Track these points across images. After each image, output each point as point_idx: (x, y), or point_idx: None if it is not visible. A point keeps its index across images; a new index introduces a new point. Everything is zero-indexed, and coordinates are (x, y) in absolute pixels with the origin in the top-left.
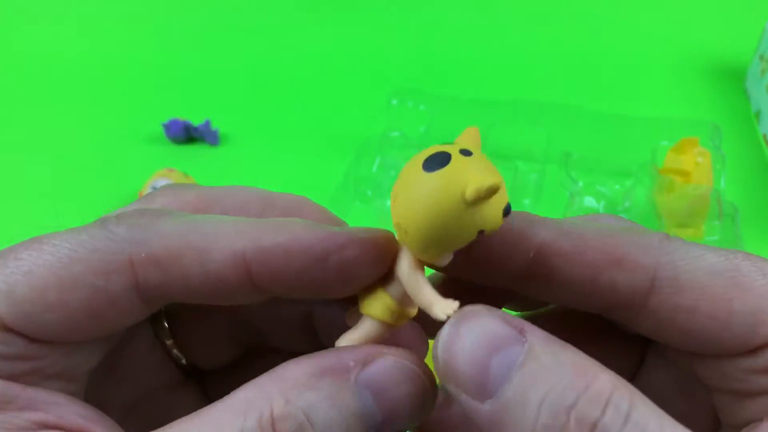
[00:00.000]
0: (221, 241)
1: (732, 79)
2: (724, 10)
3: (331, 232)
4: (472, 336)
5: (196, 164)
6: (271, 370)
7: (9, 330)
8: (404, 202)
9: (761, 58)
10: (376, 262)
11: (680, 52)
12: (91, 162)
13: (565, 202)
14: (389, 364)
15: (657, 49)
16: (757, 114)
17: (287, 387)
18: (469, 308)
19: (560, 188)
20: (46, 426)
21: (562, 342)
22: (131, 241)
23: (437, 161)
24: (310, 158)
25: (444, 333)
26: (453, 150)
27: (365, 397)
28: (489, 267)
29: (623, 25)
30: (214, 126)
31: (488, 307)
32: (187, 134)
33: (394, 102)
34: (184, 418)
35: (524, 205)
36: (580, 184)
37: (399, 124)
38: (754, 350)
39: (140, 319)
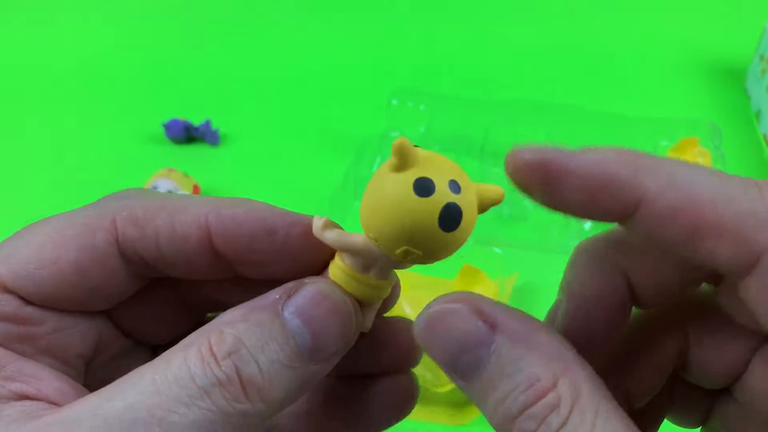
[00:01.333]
0: (190, 208)
1: (732, 79)
2: (724, 10)
3: (283, 211)
4: (445, 334)
5: (196, 164)
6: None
7: (6, 290)
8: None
9: (761, 58)
10: (318, 245)
11: (680, 52)
12: (91, 162)
13: None
14: (312, 290)
15: (657, 49)
16: (757, 114)
17: (221, 323)
18: (445, 305)
19: None
20: (25, 397)
21: (531, 337)
22: (116, 206)
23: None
24: (310, 158)
25: (420, 323)
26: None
27: (293, 321)
28: (583, 212)
29: (623, 25)
30: (214, 126)
31: (465, 299)
32: (187, 134)
33: (394, 102)
34: (142, 366)
35: (525, 205)
36: None
37: (399, 124)
38: None
39: (123, 288)
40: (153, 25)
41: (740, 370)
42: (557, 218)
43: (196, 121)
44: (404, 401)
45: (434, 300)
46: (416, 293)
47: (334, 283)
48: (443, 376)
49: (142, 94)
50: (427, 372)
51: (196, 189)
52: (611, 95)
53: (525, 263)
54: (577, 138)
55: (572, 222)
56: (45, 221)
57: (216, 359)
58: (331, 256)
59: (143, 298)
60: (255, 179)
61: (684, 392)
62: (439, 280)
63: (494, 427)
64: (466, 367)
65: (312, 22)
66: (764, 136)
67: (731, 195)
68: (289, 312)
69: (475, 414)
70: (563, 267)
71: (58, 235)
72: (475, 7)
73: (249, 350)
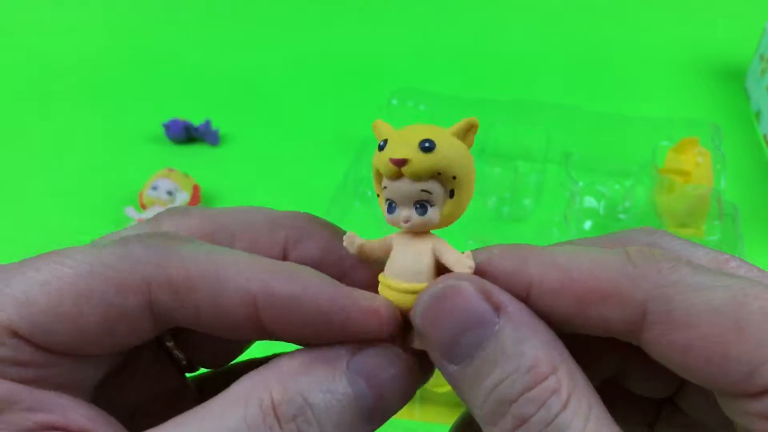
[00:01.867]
0: (236, 279)
1: (732, 79)
2: (724, 10)
3: (339, 292)
4: (449, 311)
5: (196, 164)
6: (264, 365)
7: (19, 337)
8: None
9: (761, 58)
10: (376, 329)
11: (680, 52)
12: (91, 162)
13: (565, 202)
14: (377, 350)
15: (657, 49)
16: (757, 114)
17: (284, 375)
18: (452, 281)
19: (560, 188)
20: (52, 427)
21: (533, 324)
22: (150, 262)
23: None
24: (310, 158)
25: (425, 300)
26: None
27: (357, 380)
28: None
29: (623, 26)
30: (214, 126)
31: (473, 278)
32: (187, 134)
33: (394, 102)
34: (188, 412)
35: (525, 205)
36: (581, 184)
37: (399, 124)
38: (752, 395)
39: (149, 338)
40: (153, 25)
41: (678, 382)
42: (557, 219)
43: (196, 121)
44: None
45: (436, 280)
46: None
47: (397, 345)
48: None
49: (142, 94)
50: None
51: (196, 189)
52: (611, 95)
53: None
54: (577, 138)
55: (572, 222)
56: (63, 256)
57: (279, 422)
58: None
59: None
60: (255, 179)
61: (626, 401)
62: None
63: (483, 415)
64: (466, 348)
65: (312, 22)
66: (764, 136)
67: (605, 264)
68: (354, 370)
69: None
70: None
71: (83, 284)
72: (475, 7)
73: (314, 413)
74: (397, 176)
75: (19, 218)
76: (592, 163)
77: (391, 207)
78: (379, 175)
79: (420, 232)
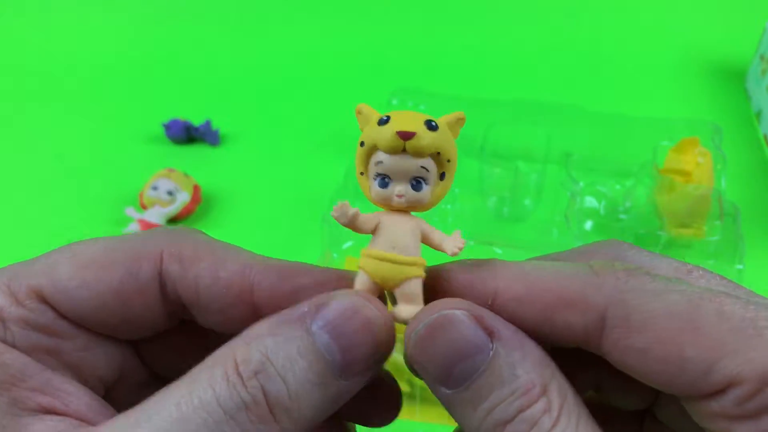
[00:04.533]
0: (236, 257)
1: (732, 79)
2: (724, 10)
3: (328, 270)
4: (444, 341)
5: (196, 164)
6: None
7: (44, 301)
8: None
9: (761, 58)
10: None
11: (680, 52)
12: (91, 162)
13: (565, 202)
14: (342, 303)
15: (657, 49)
16: (758, 114)
17: (250, 338)
18: (447, 311)
19: (561, 188)
20: (53, 411)
21: (525, 345)
22: (166, 239)
23: None
24: (311, 158)
25: (419, 330)
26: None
27: (322, 336)
28: None
29: (623, 26)
30: (215, 126)
31: (465, 307)
32: (187, 134)
33: (395, 101)
34: (168, 385)
35: (525, 205)
36: (581, 184)
37: None
38: (710, 394)
39: (155, 327)
40: (153, 26)
41: (654, 394)
42: (558, 219)
43: (196, 121)
44: (391, 404)
45: (427, 308)
46: None
47: (367, 293)
48: None
49: (142, 94)
50: None
51: (196, 189)
52: (612, 95)
53: None
54: (577, 138)
55: (573, 222)
56: (93, 241)
57: (242, 379)
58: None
59: (172, 336)
60: (255, 179)
61: (611, 415)
62: None
63: (481, 430)
64: (461, 375)
65: (312, 23)
66: (764, 136)
67: (569, 274)
68: (317, 326)
69: None
70: None
71: (105, 257)
72: (475, 7)
73: (276, 369)
74: (399, 151)
75: (20, 218)
76: (592, 163)
77: (384, 182)
78: (368, 153)
79: (405, 211)
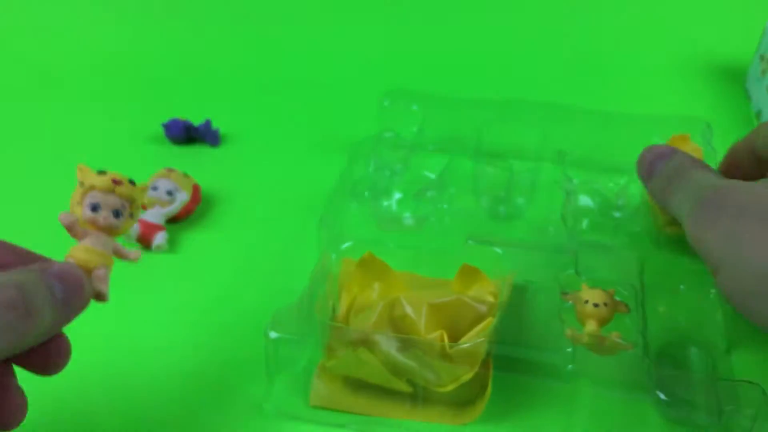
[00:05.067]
0: None
1: (732, 79)
2: (724, 10)
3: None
4: (650, 154)
5: (196, 164)
6: None
7: None
8: None
9: (761, 58)
10: None
11: (680, 52)
12: (91, 162)
13: (559, 200)
14: (64, 266)
15: (657, 50)
16: (758, 114)
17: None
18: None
19: (555, 187)
20: None
21: (691, 157)
22: None
23: None
24: (308, 158)
25: (642, 154)
26: None
27: (49, 278)
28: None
29: (623, 26)
30: (215, 126)
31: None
32: (187, 134)
33: (386, 103)
34: None
35: (518, 203)
36: (576, 181)
37: (391, 125)
38: None
39: None
40: (153, 26)
41: None
42: (554, 217)
43: (196, 121)
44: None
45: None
46: (416, 293)
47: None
48: (445, 375)
49: (142, 94)
50: (428, 372)
51: (196, 189)
52: (611, 96)
53: (521, 262)
54: (571, 136)
55: (569, 221)
56: None
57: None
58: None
59: None
60: (255, 179)
61: None
62: (438, 280)
63: (662, 190)
64: (656, 167)
65: (311, 23)
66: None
67: None
68: (50, 273)
69: (476, 414)
70: (559, 265)
71: None
72: (467, 6)
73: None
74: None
75: (20, 218)
76: (586, 161)
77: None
78: (85, 191)
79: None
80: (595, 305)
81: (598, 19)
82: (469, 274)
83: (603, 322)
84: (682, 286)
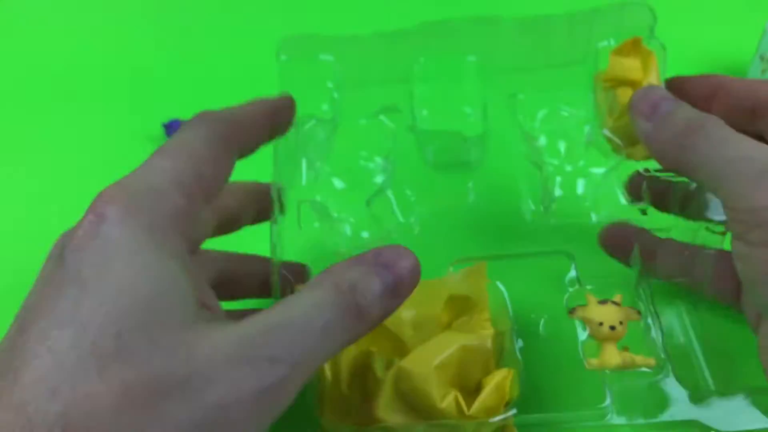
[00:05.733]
0: None
1: None
2: (724, 10)
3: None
4: (652, 92)
5: None
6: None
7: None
8: None
9: (761, 58)
10: None
11: (680, 52)
12: (91, 162)
13: (519, 150)
14: (396, 248)
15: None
16: None
17: (339, 269)
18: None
19: (510, 133)
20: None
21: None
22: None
23: None
24: None
25: (638, 90)
26: None
27: (383, 270)
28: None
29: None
30: None
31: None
32: None
33: (284, 57)
34: (281, 302)
35: (472, 161)
36: (536, 124)
37: (297, 85)
38: None
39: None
40: (153, 26)
41: None
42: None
43: None
44: None
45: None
46: (416, 353)
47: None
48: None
49: (142, 94)
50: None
51: None
52: None
53: (516, 280)
54: (505, 54)
55: (547, 205)
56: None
57: (342, 294)
58: None
59: None
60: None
61: None
62: (431, 281)
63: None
64: (663, 106)
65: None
66: None
67: None
68: (379, 264)
69: None
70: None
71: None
72: None
73: (359, 290)
74: None
75: (20, 219)
76: (538, 95)
77: None
78: None
79: None
80: (612, 328)
81: None
82: (458, 303)
83: (620, 338)
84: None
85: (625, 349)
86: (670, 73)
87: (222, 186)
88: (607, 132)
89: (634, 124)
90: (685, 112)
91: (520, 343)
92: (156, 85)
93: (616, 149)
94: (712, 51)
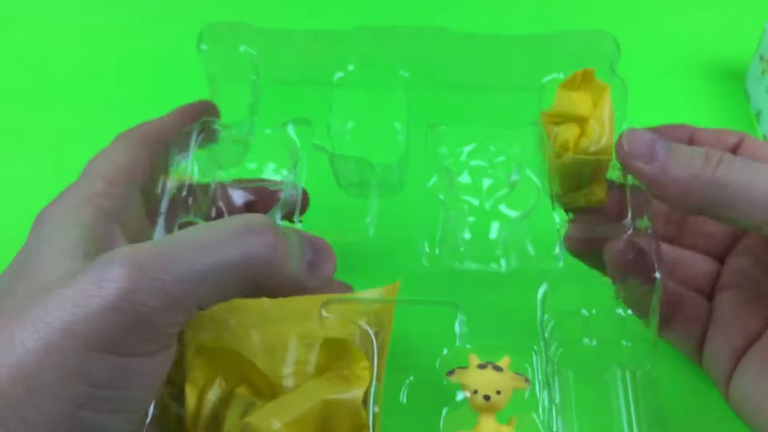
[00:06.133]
0: None
1: (732, 79)
2: (724, 10)
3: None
4: (641, 134)
5: None
6: None
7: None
8: None
9: (761, 58)
10: None
11: (680, 52)
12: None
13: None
14: (320, 238)
15: (656, 49)
16: (757, 114)
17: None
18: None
19: (427, 171)
20: None
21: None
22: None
23: None
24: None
25: (624, 134)
26: None
27: (304, 241)
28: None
29: (622, 26)
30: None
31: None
32: None
33: (204, 47)
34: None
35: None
36: (453, 159)
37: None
38: None
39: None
40: (153, 25)
41: None
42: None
43: None
44: None
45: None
46: (271, 405)
47: None
48: None
49: (142, 94)
50: None
51: None
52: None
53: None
54: (445, 64)
55: (448, 243)
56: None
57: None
58: None
59: None
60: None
61: None
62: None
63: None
64: (659, 148)
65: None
66: (764, 136)
67: None
68: (305, 238)
69: None
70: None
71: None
72: None
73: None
74: None
75: (19, 219)
76: (463, 129)
77: None
78: None
79: None
80: (486, 398)
81: (600, 21)
82: (335, 347)
83: (497, 410)
84: (584, 310)
85: (510, 422)
86: (669, 75)
87: (147, 168)
88: (552, 171)
89: (630, 169)
90: (688, 148)
91: (375, 409)
92: (156, 85)
93: (567, 192)
94: (712, 51)
